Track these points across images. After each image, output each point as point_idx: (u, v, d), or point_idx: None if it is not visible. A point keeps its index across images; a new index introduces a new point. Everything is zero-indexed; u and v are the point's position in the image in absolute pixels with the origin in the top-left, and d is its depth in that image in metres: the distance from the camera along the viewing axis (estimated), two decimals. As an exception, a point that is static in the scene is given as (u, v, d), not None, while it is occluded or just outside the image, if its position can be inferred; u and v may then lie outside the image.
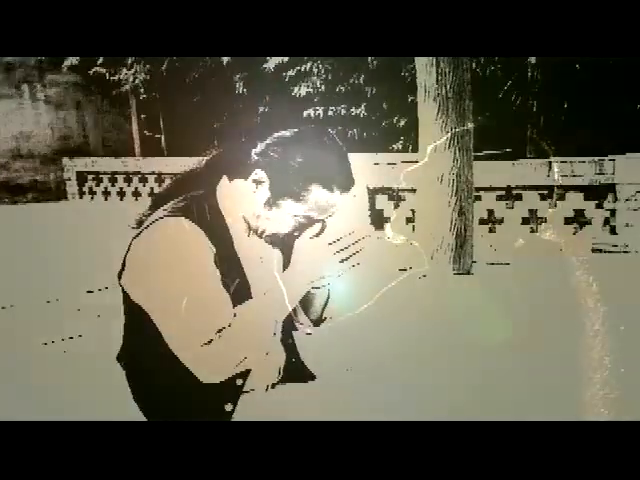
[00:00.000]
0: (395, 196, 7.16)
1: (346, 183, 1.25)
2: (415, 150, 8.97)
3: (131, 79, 12.26)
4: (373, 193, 7.23)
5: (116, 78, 12.29)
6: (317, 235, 1.24)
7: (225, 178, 1.32)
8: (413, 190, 5.85)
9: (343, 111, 11.19)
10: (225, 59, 11.49)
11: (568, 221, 6.22)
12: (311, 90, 11.34)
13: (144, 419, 1.34)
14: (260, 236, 1.30)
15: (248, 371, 1.30)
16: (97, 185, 11.56)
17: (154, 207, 1.33)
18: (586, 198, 6.10)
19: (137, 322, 1.28)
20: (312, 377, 1.48)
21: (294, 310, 1.39)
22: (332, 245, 1.22)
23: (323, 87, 11.28)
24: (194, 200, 1.28)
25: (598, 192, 6.04)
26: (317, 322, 1.43)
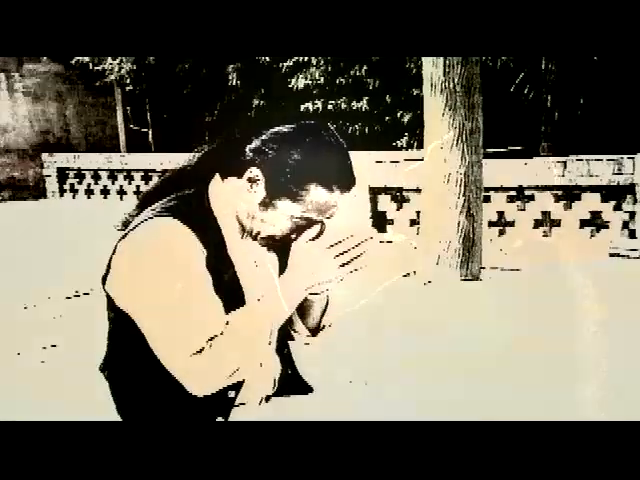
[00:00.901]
0: (398, 196, 7.17)
1: (347, 182, 1.26)
2: (420, 147, 8.97)
3: (116, 69, 12.25)
4: (375, 193, 7.24)
5: (100, 68, 12.29)
6: (316, 238, 1.24)
7: (217, 176, 1.32)
8: (418, 190, 5.86)
9: (344, 105, 11.21)
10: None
11: (584, 224, 6.23)
12: (310, 82, 11.36)
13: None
14: (255, 238, 1.31)
15: (241, 383, 1.30)
16: (79, 183, 11.56)
17: (141, 207, 1.33)
18: (603, 199, 6.11)
19: (122, 330, 1.29)
20: (309, 390, 1.49)
21: (290, 318, 1.39)
22: (331, 248, 1.22)
23: (322, 79, 11.31)
24: (184, 200, 1.29)
25: (616, 193, 6.05)
26: (315, 330, 1.44)
